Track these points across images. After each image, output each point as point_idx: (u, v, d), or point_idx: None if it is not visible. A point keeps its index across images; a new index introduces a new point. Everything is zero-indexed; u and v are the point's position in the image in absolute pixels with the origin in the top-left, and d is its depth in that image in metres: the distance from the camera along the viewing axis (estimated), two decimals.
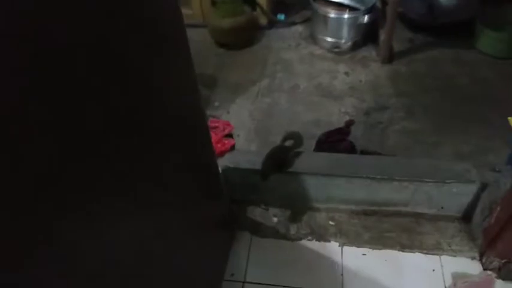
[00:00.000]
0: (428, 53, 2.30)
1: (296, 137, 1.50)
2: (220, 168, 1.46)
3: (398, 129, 1.89)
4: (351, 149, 1.82)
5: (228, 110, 2.05)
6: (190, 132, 1.05)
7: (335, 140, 1.86)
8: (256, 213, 1.57)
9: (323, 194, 1.51)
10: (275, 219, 1.54)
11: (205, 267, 1.33)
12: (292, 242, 1.48)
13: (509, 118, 1.00)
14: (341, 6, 2.23)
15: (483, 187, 1.36)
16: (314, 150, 1.81)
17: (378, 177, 1.41)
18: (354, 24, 2.23)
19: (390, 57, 2.25)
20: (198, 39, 2.57)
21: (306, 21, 2.58)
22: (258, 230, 1.52)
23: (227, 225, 1.51)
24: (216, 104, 2.10)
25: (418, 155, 1.74)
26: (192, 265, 1.22)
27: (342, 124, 1.93)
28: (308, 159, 1.47)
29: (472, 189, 1.39)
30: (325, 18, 2.25)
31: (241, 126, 1.95)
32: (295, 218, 1.54)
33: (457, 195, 1.41)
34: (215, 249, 1.43)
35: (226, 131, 1.54)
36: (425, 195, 1.43)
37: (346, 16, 2.21)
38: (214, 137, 1.50)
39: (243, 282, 1.39)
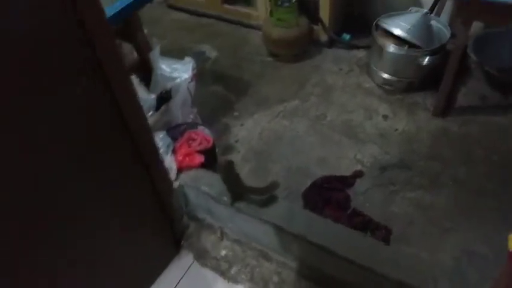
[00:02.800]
0: (496, 118, 1.87)
1: (271, 186, 1.37)
2: (179, 183, 1.42)
3: (410, 198, 1.60)
4: (345, 203, 1.62)
5: (244, 122, 1.98)
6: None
7: (332, 188, 1.67)
8: (209, 239, 1.50)
9: (277, 244, 1.37)
10: (223, 253, 1.45)
11: (136, 274, 1.33)
12: (228, 283, 1.38)
13: (509, 236, 0.76)
14: (403, 42, 1.94)
15: None
16: (305, 191, 1.66)
17: (332, 250, 1.21)
18: (412, 63, 1.93)
19: (445, 111, 1.90)
20: (254, 42, 2.51)
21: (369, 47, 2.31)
22: (203, 257, 1.45)
23: (174, 240, 1.47)
24: (236, 113, 2.04)
25: (417, 239, 1.46)
26: (123, 268, 1.25)
27: (349, 173, 1.72)
28: (271, 204, 1.34)
29: None
30: (382, 50, 1.99)
31: (246, 143, 1.87)
32: (242, 256, 1.43)
33: None
34: (153, 260, 1.42)
35: (201, 146, 1.47)
36: None
37: (402, 53, 1.92)
38: (186, 149, 1.45)
39: None
